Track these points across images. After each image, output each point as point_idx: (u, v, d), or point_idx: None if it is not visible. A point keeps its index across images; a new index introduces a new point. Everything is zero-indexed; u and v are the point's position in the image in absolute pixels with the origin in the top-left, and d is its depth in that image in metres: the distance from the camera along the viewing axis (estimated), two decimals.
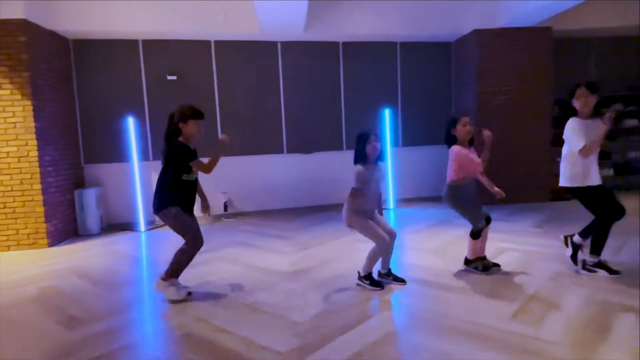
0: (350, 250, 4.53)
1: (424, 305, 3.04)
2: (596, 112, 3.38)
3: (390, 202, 7.01)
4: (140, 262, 4.69)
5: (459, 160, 3.52)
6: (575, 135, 3.29)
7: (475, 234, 3.62)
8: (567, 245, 3.70)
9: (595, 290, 3.19)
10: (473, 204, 3.61)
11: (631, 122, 7.58)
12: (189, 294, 3.40)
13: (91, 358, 2.48)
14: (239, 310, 3.13)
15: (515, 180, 6.82)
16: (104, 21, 5.83)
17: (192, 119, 3.39)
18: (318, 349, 2.47)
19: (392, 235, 3.45)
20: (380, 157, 3.46)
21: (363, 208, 3.37)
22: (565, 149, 3.48)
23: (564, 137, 3.45)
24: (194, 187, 3.48)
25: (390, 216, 6.45)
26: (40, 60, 5.35)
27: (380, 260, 3.52)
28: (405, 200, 7.44)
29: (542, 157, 7.00)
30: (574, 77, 7.97)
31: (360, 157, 3.38)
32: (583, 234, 3.55)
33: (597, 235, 3.45)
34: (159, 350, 2.58)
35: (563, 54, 7.38)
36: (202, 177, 3.66)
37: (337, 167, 7.10)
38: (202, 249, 3.43)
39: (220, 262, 4.37)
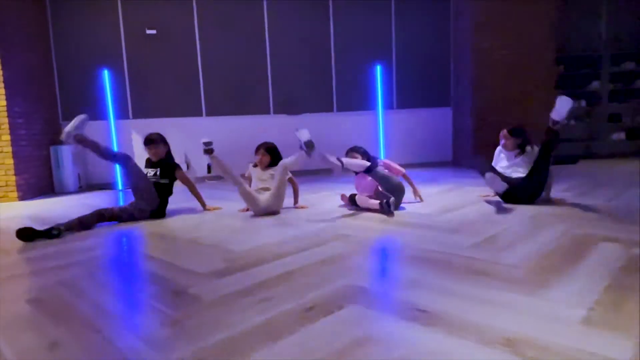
0: (325, 199, 4.22)
1: (373, 237, 2.71)
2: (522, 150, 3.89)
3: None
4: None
5: None
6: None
7: None
8: None
9: (577, 225, 2.82)
10: None
11: None
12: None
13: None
14: (177, 243, 2.87)
15: None
16: None
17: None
18: (242, 271, 2.18)
19: None
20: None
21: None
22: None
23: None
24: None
25: None
26: (9, 7, 5.15)
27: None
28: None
29: (544, 120, 6.50)
30: (583, 34, 7.46)
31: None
32: None
33: None
34: (71, 274, 2.33)
35: (571, 9, 6.86)
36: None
37: (327, 130, 6.77)
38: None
39: (187, 212, 4.12)
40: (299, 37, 6.72)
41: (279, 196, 3.72)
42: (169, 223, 3.56)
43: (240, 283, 2.01)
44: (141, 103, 6.28)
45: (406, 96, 7.08)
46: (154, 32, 6.20)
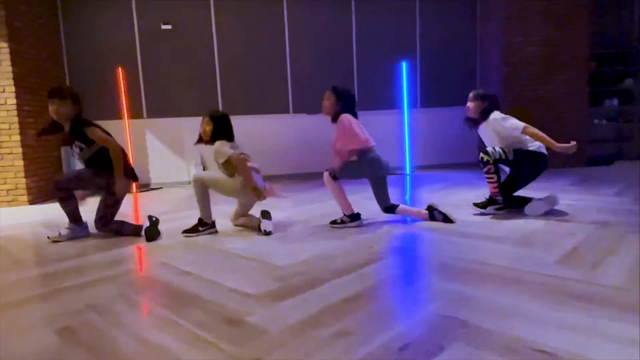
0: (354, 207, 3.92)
1: (439, 252, 2.41)
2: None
3: (407, 168, 6.36)
4: (120, 218, 4.18)
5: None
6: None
7: None
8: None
9: None
10: None
11: None
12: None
13: (20, 299, 1.97)
14: (211, 256, 2.58)
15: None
16: None
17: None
18: (301, 293, 1.89)
19: None
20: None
21: None
22: None
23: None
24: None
25: (406, 182, 5.81)
26: (19, 0, 4.87)
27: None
28: (423, 167, 6.79)
29: (576, 117, 6.22)
30: (615, 27, 7.16)
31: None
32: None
33: None
34: (104, 293, 2.04)
35: (604, 3, 6.55)
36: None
37: None
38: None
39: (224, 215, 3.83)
40: (320, 34, 6.43)
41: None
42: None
43: (304, 309, 1.72)
44: (155, 102, 5.99)
45: (430, 95, 6.79)
46: (169, 27, 5.91)
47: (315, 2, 6.35)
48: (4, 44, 4.66)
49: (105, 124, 5.93)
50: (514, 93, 6.12)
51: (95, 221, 3.16)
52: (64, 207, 3.18)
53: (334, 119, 3.13)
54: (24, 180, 4.83)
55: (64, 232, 3.14)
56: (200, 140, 3.23)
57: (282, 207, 4.10)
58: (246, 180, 3.03)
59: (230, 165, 3.07)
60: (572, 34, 6.09)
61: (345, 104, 3.12)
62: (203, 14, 6.06)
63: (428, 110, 6.81)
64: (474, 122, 3.43)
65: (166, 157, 6.15)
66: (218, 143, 3.08)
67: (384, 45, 6.57)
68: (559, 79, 6.15)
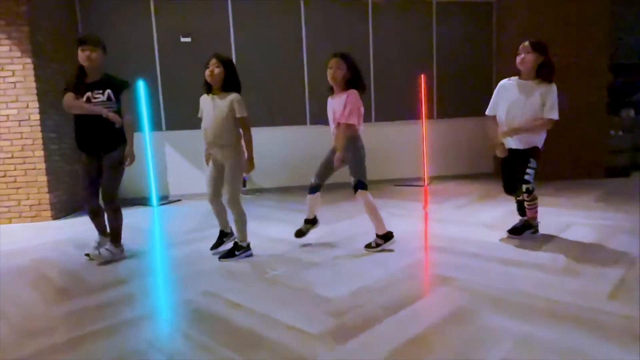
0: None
1: (488, 282, 2.42)
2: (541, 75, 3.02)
3: (425, 179, 6.37)
4: (146, 235, 4.19)
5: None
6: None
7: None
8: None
9: None
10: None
11: None
12: None
13: (76, 336, 1.97)
14: (256, 284, 2.58)
15: (564, 154, 6.08)
16: None
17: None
18: (362, 332, 1.89)
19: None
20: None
21: None
22: None
23: None
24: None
25: (425, 194, 5.82)
26: (41, 15, 4.86)
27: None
28: (438, 178, 6.79)
29: (595, 128, 6.23)
30: (631, 40, 7.17)
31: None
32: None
33: None
34: (161, 329, 2.04)
35: (624, 7, 6.52)
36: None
37: (365, 140, 6.45)
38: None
39: None
40: (337, 45, 6.42)
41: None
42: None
43: (370, 353, 1.72)
44: (175, 114, 5.99)
45: (446, 105, 6.79)
46: (188, 39, 5.91)
47: (333, 12, 6.35)
48: (28, 60, 4.65)
49: None
50: None
51: (109, 194, 3.13)
52: (97, 222, 3.25)
53: (343, 88, 3.00)
54: (47, 196, 4.82)
55: (105, 253, 3.14)
56: (207, 86, 3.00)
57: None
58: (250, 146, 3.06)
59: (239, 125, 2.99)
60: (592, 43, 6.08)
61: (356, 75, 3.03)
62: (222, 26, 6.06)
63: (444, 120, 6.82)
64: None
65: (185, 169, 6.15)
66: (237, 95, 2.97)
67: (400, 56, 6.57)
68: (578, 89, 6.13)
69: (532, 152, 3.08)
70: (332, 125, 3.19)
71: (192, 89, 6.08)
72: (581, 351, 1.65)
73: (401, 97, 6.62)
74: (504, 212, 4.20)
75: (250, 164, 3.08)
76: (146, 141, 5.76)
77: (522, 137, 3.06)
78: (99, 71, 3.11)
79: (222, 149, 3.03)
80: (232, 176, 3.02)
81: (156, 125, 5.97)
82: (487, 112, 3.27)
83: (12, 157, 4.75)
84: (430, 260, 2.90)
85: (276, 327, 1.99)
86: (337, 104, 3.07)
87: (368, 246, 3.18)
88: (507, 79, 3.21)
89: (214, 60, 2.96)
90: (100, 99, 3.06)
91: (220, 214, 3.26)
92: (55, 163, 5.01)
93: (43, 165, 4.79)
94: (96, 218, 3.27)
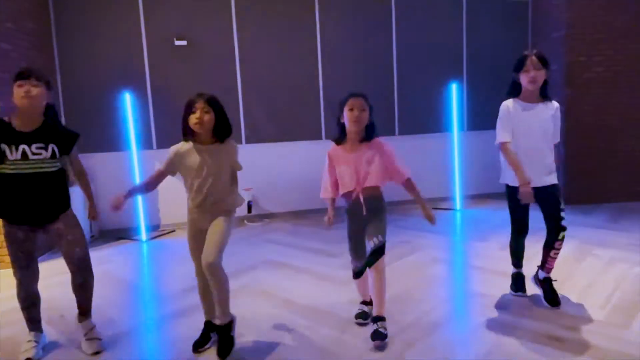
0: (433, 274, 3.10)
1: None
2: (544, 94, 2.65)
3: (457, 202, 5.55)
4: (130, 296, 3.28)
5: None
6: (499, 122, 2.66)
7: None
8: None
9: None
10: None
11: None
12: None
13: None
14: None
15: (615, 173, 5.32)
16: None
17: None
18: None
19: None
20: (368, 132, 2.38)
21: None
22: None
23: None
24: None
25: (456, 219, 5.01)
26: (4, 17, 3.97)
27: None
28: (472, 197, 5.97)
29: None
30: None
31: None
32: None
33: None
34: None
35: None
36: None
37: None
38: None
39: (245, 295, 2.97)
40: (356, 53, 5.61)
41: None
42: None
43: None
44: (167, 130, 5.08)
45: (478, 117, 5.99)
46: (184, 43, 5.03)
47: (352, 18, 5.54)
48: None
49: (110, 157, 5.09)
50: (578, 117, 5.36)
51: (85, 259, 2.32)
52: (36, 313, 2.37)
53: (363, 137, 2.38)
54: None
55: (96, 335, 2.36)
56: (188, 134, 2.19)
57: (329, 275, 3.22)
58: (238, 199, 2.35)
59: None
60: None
61: (372, 119, 2.45)
62: (224, 28, 5.19)
63: (475, 133, 6.02)
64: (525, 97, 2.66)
65: (179, 194, 5.18)
66: (234, 143, 2.29)
67: (427, 65, 5.78)
68: (630, 100, 5.41)
69: (558, 187, 2.63)
70: (352, 187, 2.40)
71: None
72: None
73: (428, 108, 5.82)
74: (565, 254, 3.39)
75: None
76: (133, 162, 4.88)
77: (547, 169, 2.58)
78: (39, 115, 2.19)
79: (216, 209, 2.23)
80: (225, 233, 2.18)
81: (145, 144, 5.07)
82: (504, 139, 2.60)
83: None
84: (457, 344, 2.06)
85: None
86: (359, 159, 2.35)
87: (377, 337, 2.20)
88: (510, 101, 2.69)
89: (200, 103, 2.11)
90: (41, 156, 2.14)
91: (208, 294, 2.30)
92: None
93: None
94: (35, 308, 2.34)
